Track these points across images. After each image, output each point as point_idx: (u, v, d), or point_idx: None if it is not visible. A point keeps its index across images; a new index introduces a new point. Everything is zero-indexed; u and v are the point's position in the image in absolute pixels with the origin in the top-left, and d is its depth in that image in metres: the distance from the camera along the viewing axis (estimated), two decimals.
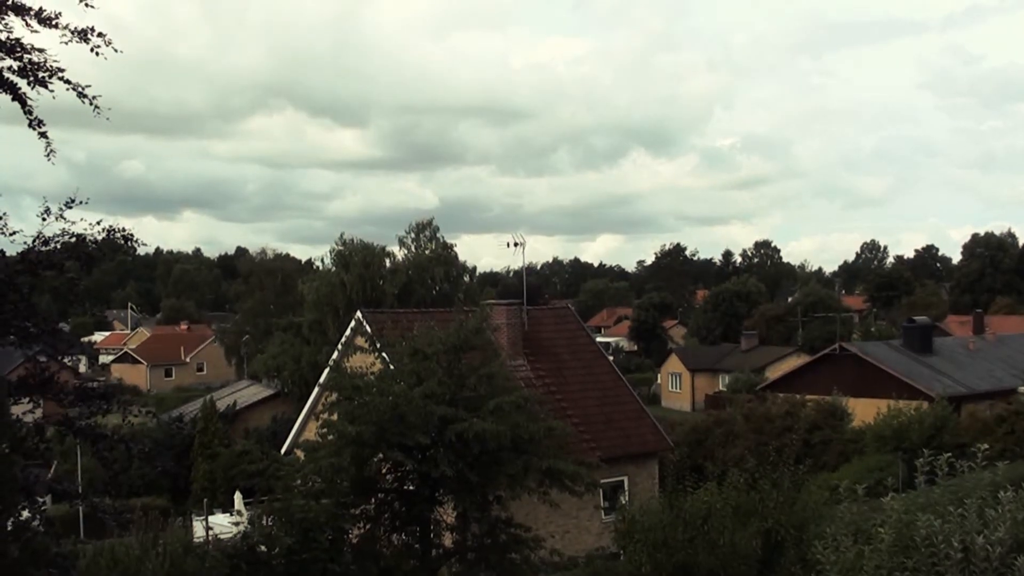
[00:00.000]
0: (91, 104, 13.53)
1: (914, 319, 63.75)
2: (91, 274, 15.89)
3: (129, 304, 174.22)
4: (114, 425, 14.19)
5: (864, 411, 43.92)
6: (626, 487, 34.15)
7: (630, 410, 36.18)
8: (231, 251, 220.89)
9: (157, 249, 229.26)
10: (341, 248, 63.43)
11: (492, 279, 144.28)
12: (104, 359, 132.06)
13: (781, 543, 15.85)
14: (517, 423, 19.04)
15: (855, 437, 40.84)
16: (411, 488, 19.84)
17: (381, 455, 19.15)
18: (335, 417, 19.48)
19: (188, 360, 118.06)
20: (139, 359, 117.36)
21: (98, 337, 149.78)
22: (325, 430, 19.39)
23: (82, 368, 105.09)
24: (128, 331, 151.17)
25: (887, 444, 37.69)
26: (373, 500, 19.91)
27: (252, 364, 79.93)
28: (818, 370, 56.76)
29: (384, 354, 22.04)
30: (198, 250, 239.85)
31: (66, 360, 15.23)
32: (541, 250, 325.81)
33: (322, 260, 78.03)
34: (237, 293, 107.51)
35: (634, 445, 34.82)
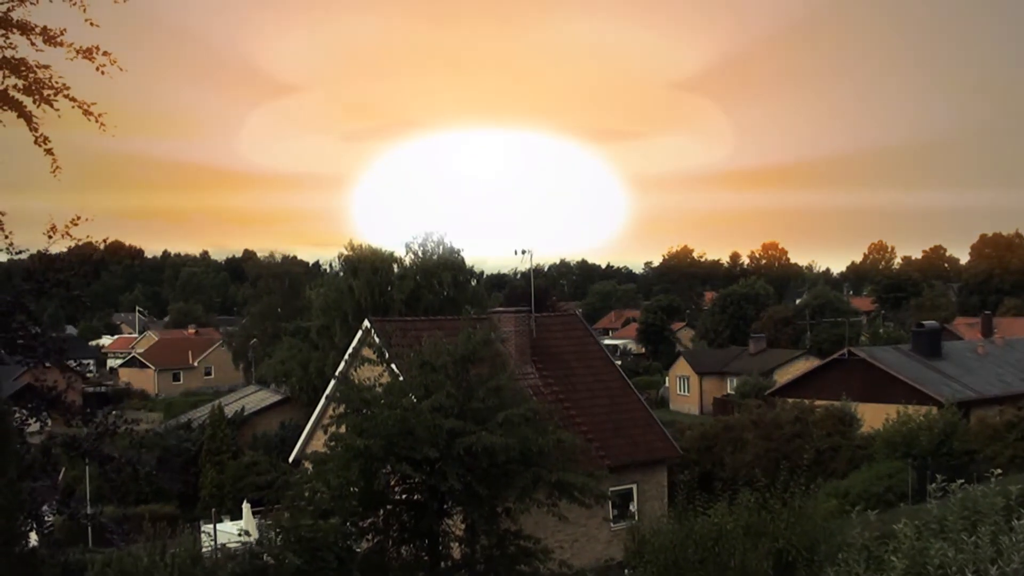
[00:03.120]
0: (96, 121, 13.53)
1: (923, 324, 63.58)
2: (99, 277, 15.84)
3: (137, 308, 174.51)
4: (124, 429, 14.13)
5: (873, 416, 43.74)
6: (635, 495, 34.09)
7: (639, 417, 36.13)
8: (238, 254, 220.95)
9: (164, 252, 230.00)
10: (349, 254, 63.38)
11: (499, 281, 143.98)
12: (112, 363, 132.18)
13: (792, 564, 15.76)
14: (526, 436, 19.00)
15: (864, 443, 40.70)
16: (420, 499, 19.78)
17: (389, 468, 19.08)
18: (343, 429, 19.44)
19: (196, 364, 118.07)
20: (147, 363, 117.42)
21: (106, 341, 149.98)
22: (334, 443, 19.35)
23: (90, 372, 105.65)
24: (136, 335, 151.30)
25: (896, 451, 37.55)
26: (381, 512, 19.86)
27: (260, 369, 79.96)
28: (827, 375, 56.65)
29: (393, 365, 21.98)
30: (205, 253, 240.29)
31: (73, 364, 15.23)
32: (548, 251, 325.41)
33: (330, 265, 77.96)
34: (245, 297, 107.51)
35: (643, 453, 34.76)
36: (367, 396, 19.65)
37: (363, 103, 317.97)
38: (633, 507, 34.01)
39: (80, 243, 13.92)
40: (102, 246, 14.24)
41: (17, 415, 12.94)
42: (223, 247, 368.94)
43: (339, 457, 18.98)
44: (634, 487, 34.18)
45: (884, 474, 35.90)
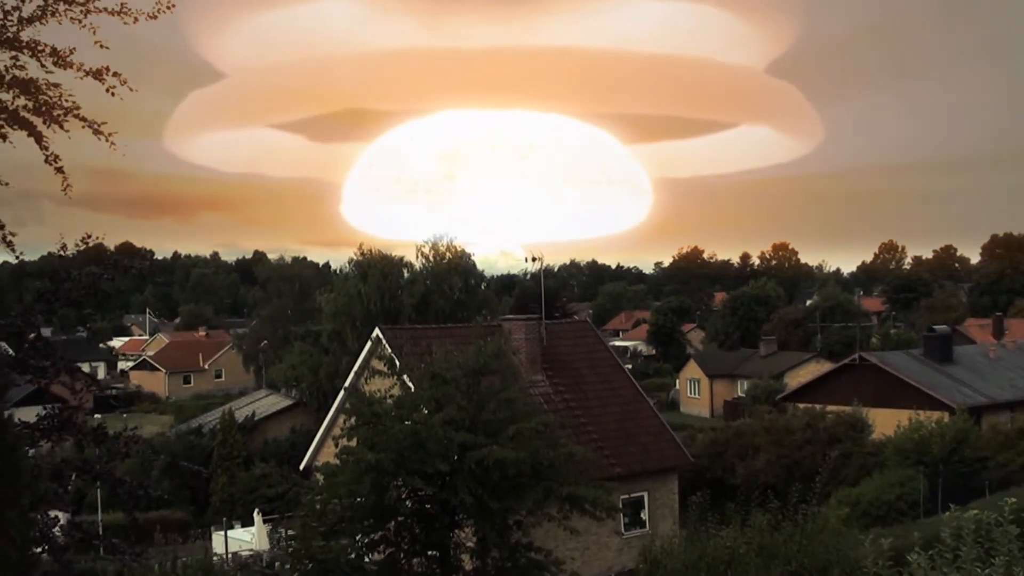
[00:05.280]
0: (107, 140, 13.51)
1: (934, 327, 63.34)
2: (110, 296, 15.90)
3: (147, 309, 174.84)
4: (136, 451, 14.15)
5: (884, 422, 43.66)
6: (646, 503, 34.01)
7: (650, 425, 36.02)
8: (249, 254, 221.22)
9: (175, 253, 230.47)
10: (359, 258, 63.30)
11: (509, 282, 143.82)
12: (123, 365, 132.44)
13: None
14: (537, 449, 18.94)
15: (875, 450, 40.56)
16: (431, 512, 19.75)
17: (400, 481, 19.05)
18: (354, 442, 19.41)
19: (207, 367, 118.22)
20: (157, 366, 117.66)
21: (117, 343, 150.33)
22: (345, 455, 19.32)
23: (100, 374, 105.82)
24: (147, 336, 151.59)
25: (908, 458, 37.41)
26: (392, 524, 19.82)
27: (270, 372, 79.96)
28: (838, 380, 56.45)
29: (404, 377, 21.90)
30: (215, 254, 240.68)
31: (85, 370, 15.29)
32: (555, 247, 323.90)
33: (340, 269, 77.97)
34: (255, 299, 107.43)
35: (654, 461, 34.64)
36: (378, 409, 19.60)
37: (369, 98, 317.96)
38: (644, 515, 33.97)
39: (90, 245, 13.94)
40: (112, 248, 14.21)
41: (28, 434, 12.95)
42: (234, 246, 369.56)
43: (350, 470, 18.96)
44: (645, 495, 34.09)
45: (895, 482, 35.75)
